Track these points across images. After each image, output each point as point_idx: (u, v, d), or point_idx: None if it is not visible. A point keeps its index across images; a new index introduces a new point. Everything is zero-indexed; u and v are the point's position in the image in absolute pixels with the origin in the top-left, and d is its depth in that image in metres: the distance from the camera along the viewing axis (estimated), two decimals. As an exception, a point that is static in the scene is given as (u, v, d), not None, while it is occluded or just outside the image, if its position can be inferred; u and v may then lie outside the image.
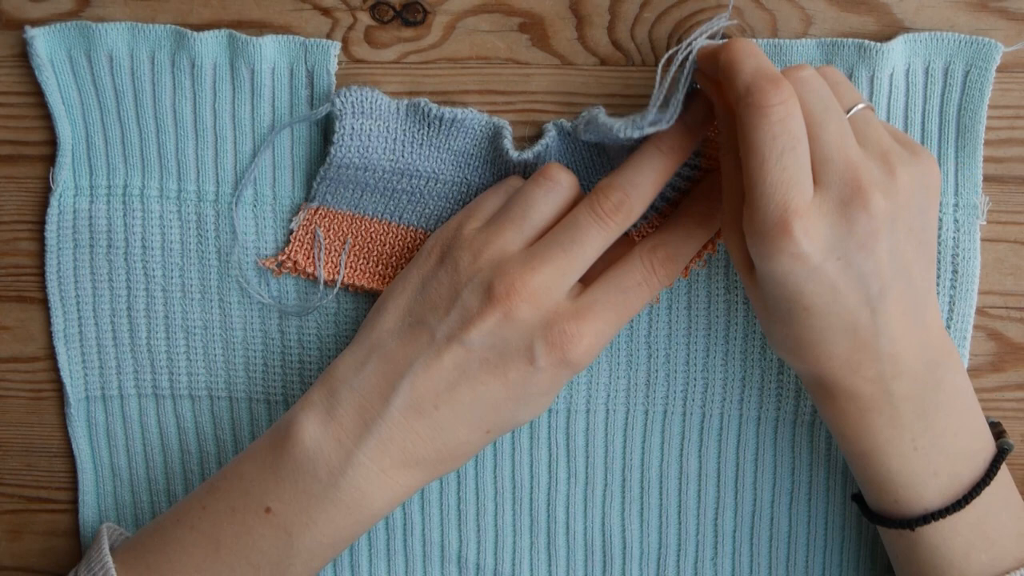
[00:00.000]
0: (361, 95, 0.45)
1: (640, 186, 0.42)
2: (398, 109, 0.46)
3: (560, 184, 0.44)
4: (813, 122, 0.39)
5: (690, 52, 0.40)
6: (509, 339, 0.42)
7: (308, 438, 0.43)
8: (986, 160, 0.46)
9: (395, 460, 0.43)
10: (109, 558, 0.44)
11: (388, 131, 0.46)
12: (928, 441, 0.41)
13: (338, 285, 0.48)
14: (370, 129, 0.46)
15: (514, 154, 0.46)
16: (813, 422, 0.49)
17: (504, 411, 0.43)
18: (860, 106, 0.41)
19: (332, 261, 0.48)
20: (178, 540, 0.44)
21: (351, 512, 0.43)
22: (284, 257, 0.48)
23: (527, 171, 0.47)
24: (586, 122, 0.45)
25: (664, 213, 0.47)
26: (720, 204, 0.44)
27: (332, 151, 0.46)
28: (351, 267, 0.48)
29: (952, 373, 0.42)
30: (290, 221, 0.48)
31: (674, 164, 0.43)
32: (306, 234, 0.48)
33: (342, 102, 0.45)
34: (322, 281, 0.48)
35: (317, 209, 0.48)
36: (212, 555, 0.43)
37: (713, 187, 0.45)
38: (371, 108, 0.46)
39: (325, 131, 0.47)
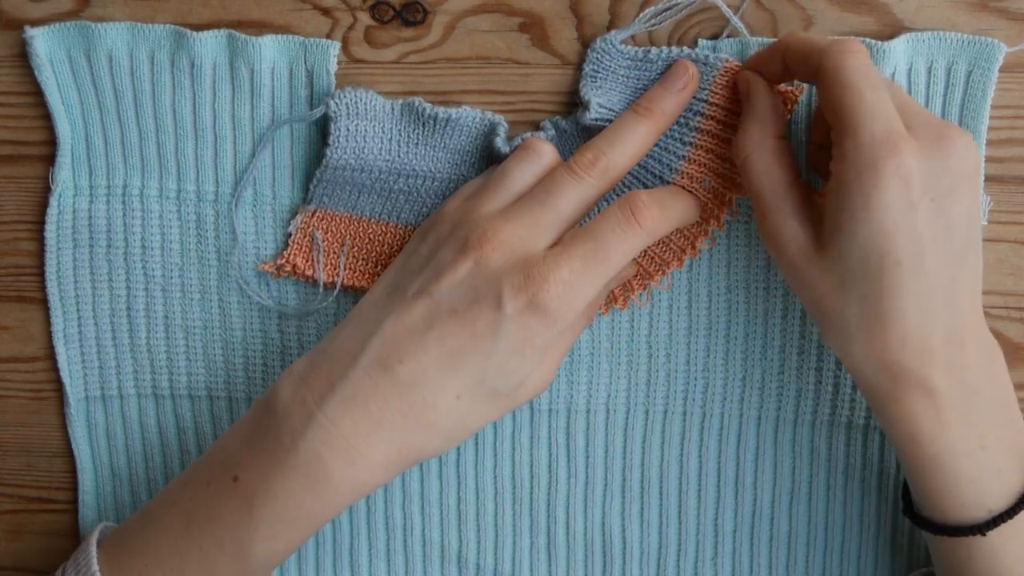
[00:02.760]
0: (355, 96, 0.45)
1: (616, 144, 0.43)
2: (393, 109, 0.46)
3: (539, 154, 0.44)
4: (884, 82, 0.40)
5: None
6: (478, 286, 0.41)
7: (279, 403, 0.41)
8: (987, 160, 0.46)
9: (357, 423, 0.40)
10: (94, 549, 0.43)
11: (383, 132, 0.46)
12: (994, 438, 0.41)
13: (338, 287, 0.48)
14: (365, 130, 0.46)
15: (505, 149, 0.46)
16: (814, 422, 0.49)
17: (473, 369, 0.41)
18: None
19: (331, 263, 0.48)
20: (158, 519, 0.43)
21: (309, 482, 0.40)
22: (283, 261, 0.48)
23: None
24: (599, 55, 0.46)
25: None
26: (706, 186, 0.45)
27: (328, 153, 0.46)
28: (350, 268, 0.48)
29: (1004, 368, 0.42)
30: (288, 224, 0.48)
31: (652, 126, 0.44)
32: (304, 237, 0.48)
33: (336, 104, 0.45)
34: (321, 284, 0.48)
35: (314, 212, 0.48)
36: (184, 532, 0.42)
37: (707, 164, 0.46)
38: (366, 109, 0.46)
39: (323, 132, 0.47)
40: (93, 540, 0.44)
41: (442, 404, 0.41)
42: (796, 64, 0.42)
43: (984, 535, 0.41)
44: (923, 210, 0.38)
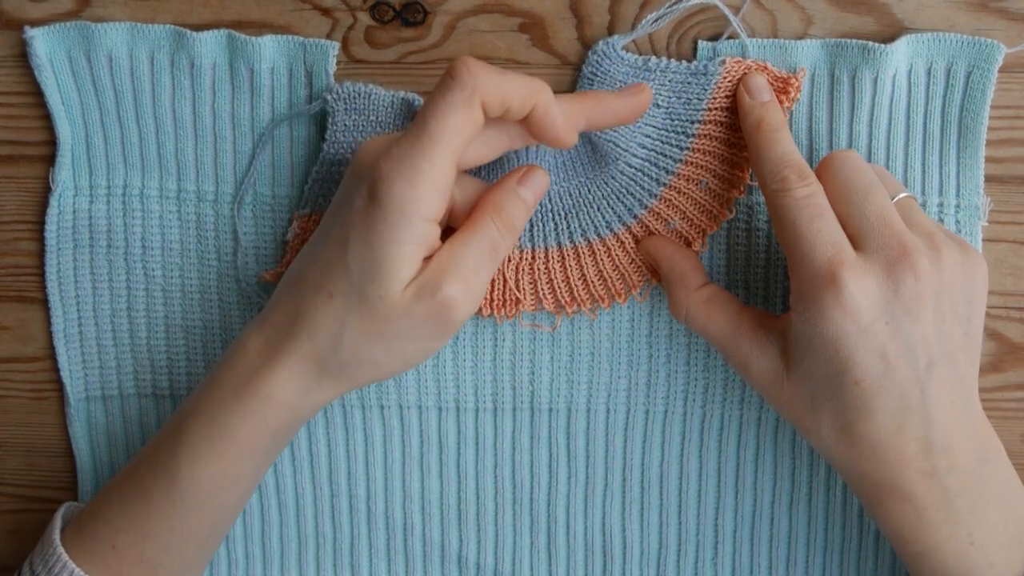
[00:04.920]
0: (354, 91, 0.46)
1: (500, 75, 0.39)
2: (392, 104, 0.46)
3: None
4: (856, 195, 0.41)
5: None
6: (344, 184, 0.42)
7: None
8: (986, 160, 0.46)
9: (260, 333, 0.42)
10: (57, 533, 0.44)
11: (381, 127, 0.46)
12: (983, 534, 0.41)
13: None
14: (362, 125, 0.46)
15: None
16: (813, 422, 0.49)
17: (336, 263, 0.40)
18: (904, 194, 0.43)
19: None
20: (114, 480, 0.45)
21: (226, 395, 0.42)
22: (283, 269, 0.48)
23: (519, 163, 0.46)
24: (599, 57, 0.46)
25: (644, 222, 0.47)
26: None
27: (324, 148, 0.46)
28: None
29: (1000, 467, 0.42)
30: (285, 232, 0.48)
31: (549, 98, 0.40)
32: (301, 243, 0.48)
33: (334, 98, 0.45)
34: None
35: (310, 216, 0.48)
36: (129, 471, 0.45)
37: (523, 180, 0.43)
38: (364, 104, 0.46)
39: (322, 130, 0.47)
40: (57, 520, 0.45)
41: (320, 305, 0.41)
42: (751, 153, 0.44)
43: None
44: (877, 333, 0.39)
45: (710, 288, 0.45)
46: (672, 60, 0.45)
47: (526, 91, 0.39)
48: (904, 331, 0.39)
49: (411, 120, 0.46)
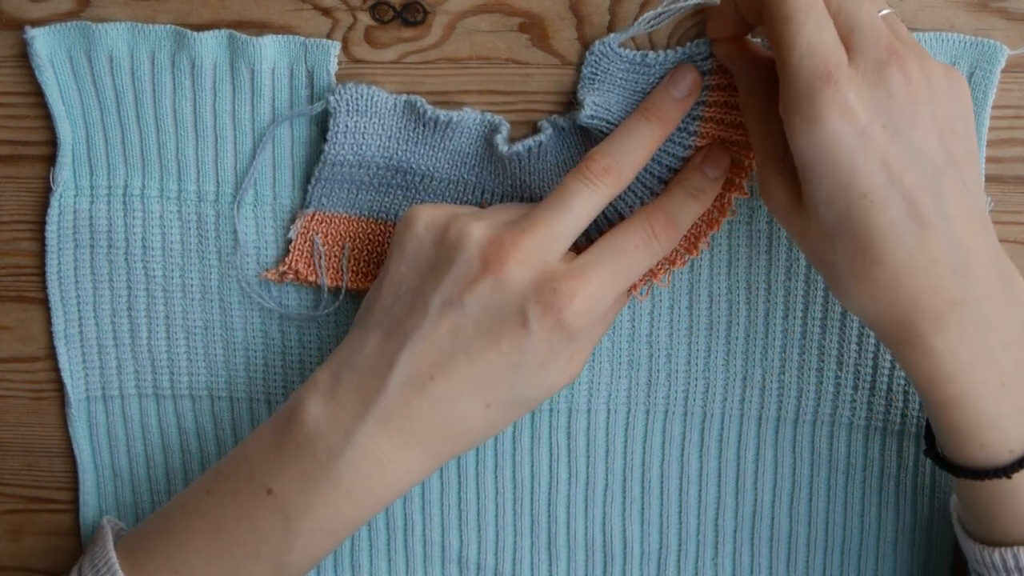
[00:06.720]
0: (356, 92, 0.46)
1: (628, 152, 0.43)
2: (395, 106, 0.46)
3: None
4: (848, 1, 0.39)
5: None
6: (501, 302, 0.41)
7: (309, 419, 0.42)
8: (987, 160, 0.46)
9: (395, 440, 0.42)
10: (112, 552, 0.43)
11: (383, 128, 0.46)
12: (1015, 375, 0.39)
13: (343, 294, 0.48)
14: (364, 127, 0.46)
15: (504, 148, 0.46)
16: (814, 422, 0.49)
17: (501, 382, 0.42)
18: (888, 11, 0.41)
19: (333, 267, 0.48)
20: (181, 525, 0.44)
21: (350, 496, 0.42)
22: (285, 268, 0.48)
23: (520, 165, 0.46)
24: (598, 57, 0.46)
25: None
26: (714, 177, 0.45)
27: (326, 148, 0.46)
28: (352, 271, 0.48)
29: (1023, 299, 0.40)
30: (288, 229, 0.48)
31: (661, 133, 0.44)
32: (304, 243, 0.48)
33: (336, 99, 0.45)
34: (325, 290, 0.48)
35: (313, 215, 0.48)
36: (213, 538, 0.43)
37: (707, 160, 0.45)
38: (366, 105, 0.46)
39: (324, 131, 0.47)
40: (109, 541, 0.44)
41: (473, 415, 0.42)
42: (746, 10, 0.41)
43: (1010, 478, 0.39)
44: (877, 137, 0.37)
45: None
46: (669, 51, 0.45)
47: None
48: (904, 135, 0.37)
49: (421, 123, 0.46)
